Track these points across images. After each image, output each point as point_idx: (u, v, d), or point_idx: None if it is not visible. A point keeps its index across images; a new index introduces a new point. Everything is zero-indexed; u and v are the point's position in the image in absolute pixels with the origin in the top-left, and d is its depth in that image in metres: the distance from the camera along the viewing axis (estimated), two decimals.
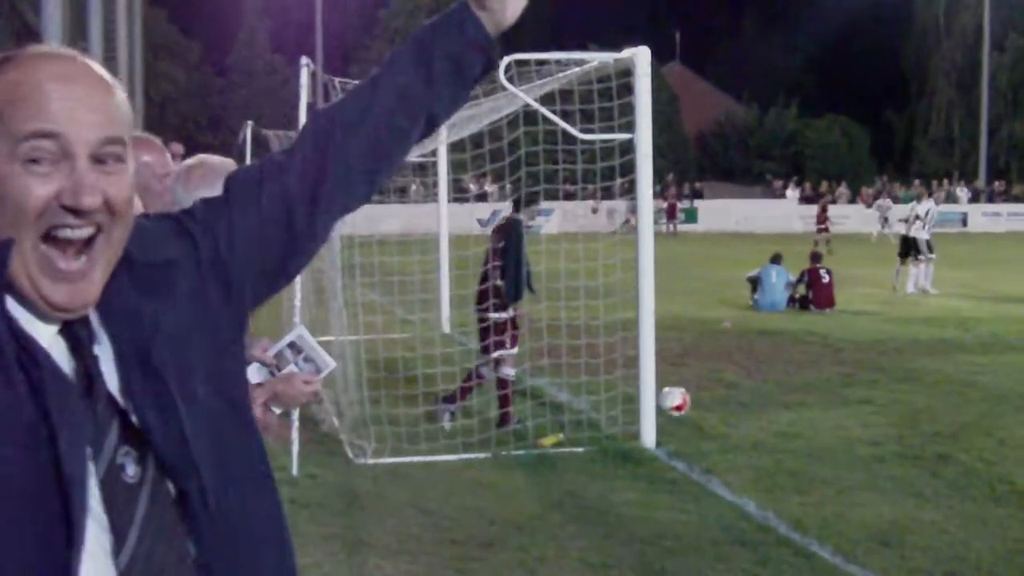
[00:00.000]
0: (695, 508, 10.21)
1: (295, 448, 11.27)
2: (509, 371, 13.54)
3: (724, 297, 27.40)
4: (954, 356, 18.97)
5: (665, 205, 63.66)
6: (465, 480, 11.24)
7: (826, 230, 45.86)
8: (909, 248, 31.29)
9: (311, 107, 15.85)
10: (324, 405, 13.58)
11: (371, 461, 11.75)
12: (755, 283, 26.34)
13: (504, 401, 13.39)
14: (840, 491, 10.84)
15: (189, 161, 5.11)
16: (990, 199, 74.39)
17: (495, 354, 13.42)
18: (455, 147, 19.93)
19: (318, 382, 4.43)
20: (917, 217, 31.84)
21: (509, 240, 13.56)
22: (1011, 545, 9.21)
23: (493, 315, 13.50)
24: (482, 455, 12.06)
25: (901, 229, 32.94)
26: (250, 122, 21.74)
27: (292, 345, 4.36)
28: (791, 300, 26.02)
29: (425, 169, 21.84)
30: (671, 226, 62.02)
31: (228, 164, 5.01)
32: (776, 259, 26.55)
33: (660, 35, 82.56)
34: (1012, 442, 12.83)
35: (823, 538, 9.30)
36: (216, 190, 5.00)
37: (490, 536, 9.36)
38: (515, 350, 13.72)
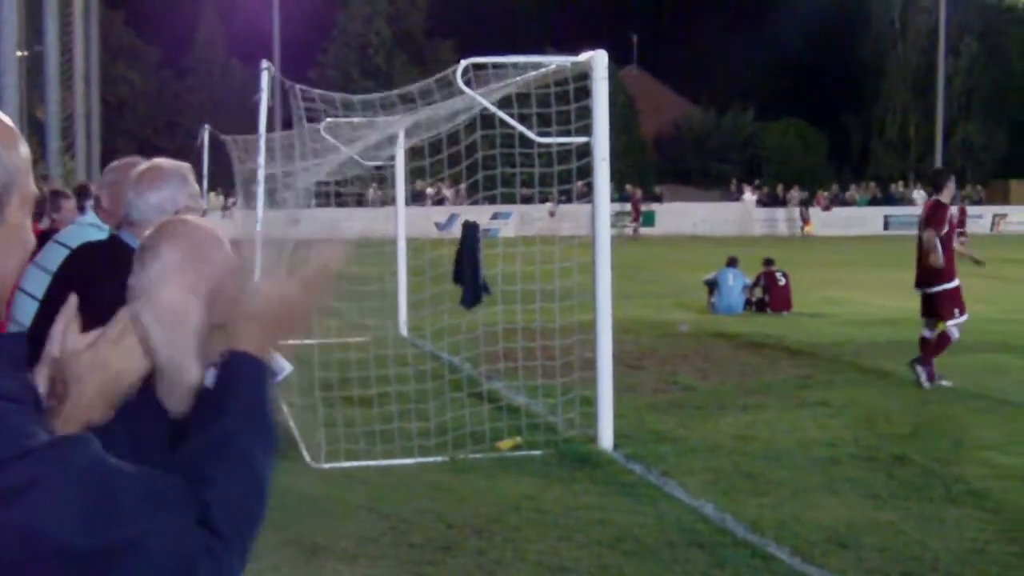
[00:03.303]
0: (652, 510, 10.23)
1: None
2: None
3: (681, 300, 27.46)
4: (910, 357, 19.04)
5: (630, 208, 63.87)
6: (422, 483, 11.22)
7: (964, 234, 45.33)
8: None
9: (271, 110, 15.84)
10: (280, 409, 13.54)
11: (327, 465, 11.73)
12: (712, 286, 26.39)
13: None
14: (797, 492, 10.88)
15: (141, 165, 5.09)
16: None
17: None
18: (413, 152, 19.92)
19: (274, 386, 4.42)
20: None
21: (464, 244, 13.57)
22: (967, 545, 9.26)
23: None
24: (439, 458, 12.03)
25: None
26: (207, 126, 21.70)
27: None
28: (748, 303, 26.09)
29: (383, 173, 21.81)
30: (634, 229, 62.05)
31: (182, 168, 5.00)
32: (732, 262, 26.61)
33: (618, 38, 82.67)
34: (968, 442, 12.91)
35: (780, 539, 9.32)
36: (165, 194, 4.96)
37: (448, 539, 9.35)
38: None
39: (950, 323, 16.48)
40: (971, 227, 68.98)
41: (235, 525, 2.30)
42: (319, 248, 2.59)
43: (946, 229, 16.51)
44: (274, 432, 2.52)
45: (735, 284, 26.06)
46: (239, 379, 2.49)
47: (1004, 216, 71.94)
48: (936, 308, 16.59)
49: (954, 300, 16.49)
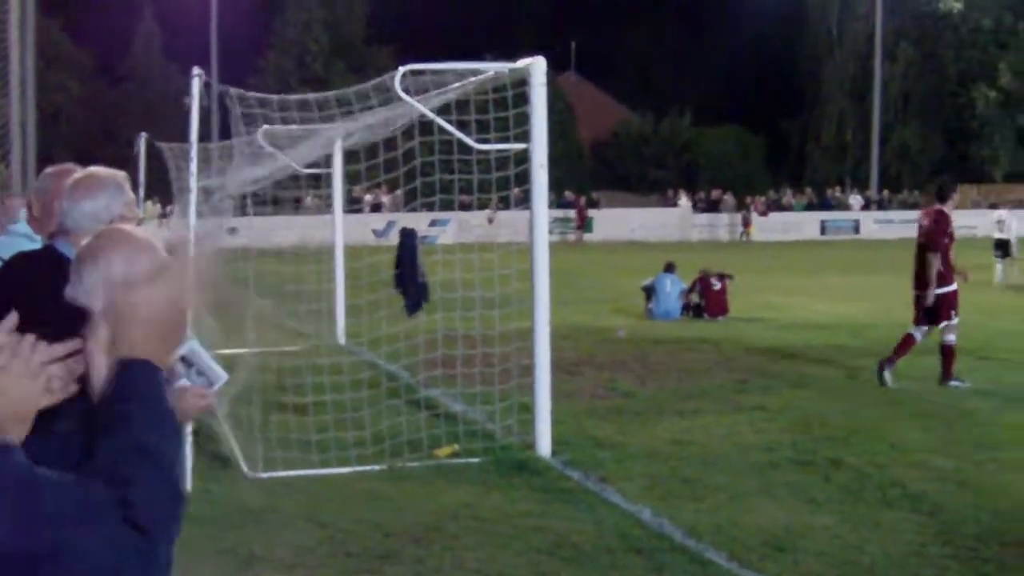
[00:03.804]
0: (591, 517, 10.23)
1: (188, 463, 11.16)
2: None
3: (619, 306, 27.50)
4: (846, 362, 19.17)
5: (574, 214, 63.95)
6: (360, 492, 11.18)
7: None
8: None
9: (208, 117, 15.77)
10: (217, 419, 13.46)
11: (264, 475, 11.66)
12: (650, 292, 26.44)
13: None
14: (734, 497, 10.91)
15: (76, 174, 5.04)
16: (882, 206, 75.39)
17: None
18: (350, 157, 19.89)
19: (211, 396, 4.40)
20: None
21: (403, 251, 13.55)
22: (903, 548, 9.31)
23: None
24: (376, 467, 11.99)
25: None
26: (144, 134, 21.54)
27: (183, 359, 4.31)
28: (685, 308, 26.16)
29: (319, 180, 21.76)
30: (578, 235, 62.12)
31: (117, 176, 4.95)
32: (669, 268, 26.67)
33: (556, 45, 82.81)
34: (903, 446, 12.98)
35: (718, 544, 9.34)
36: (101, 203, 4.91)
37: (386, 548, 9.32)
38: None
39: (947, 325, 16.95)
40: (906, 231, 69.56)
41: (158, 522, 2.36)
42: (194, 256, 2.59)
43: (946, 240, 16.99)
44: (180, 433, 2.54)
45: (672, 290, 26.13)
46: (138, 386, 2.50)
47: None
48: (935, 311, 16.98)
49: (952, 304, 17.02)
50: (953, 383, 16.86)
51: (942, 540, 9.52)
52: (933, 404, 15.59)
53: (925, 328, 17.20)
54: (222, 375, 4.39)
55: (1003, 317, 26.12)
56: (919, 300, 17.25)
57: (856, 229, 70.75)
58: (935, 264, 16.88)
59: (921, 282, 17.22)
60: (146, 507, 2.32)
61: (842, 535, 9.68)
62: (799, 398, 16.04)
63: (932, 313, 17.08)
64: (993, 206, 49.07)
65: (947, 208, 17.31)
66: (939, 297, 16.94)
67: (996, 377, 17.74)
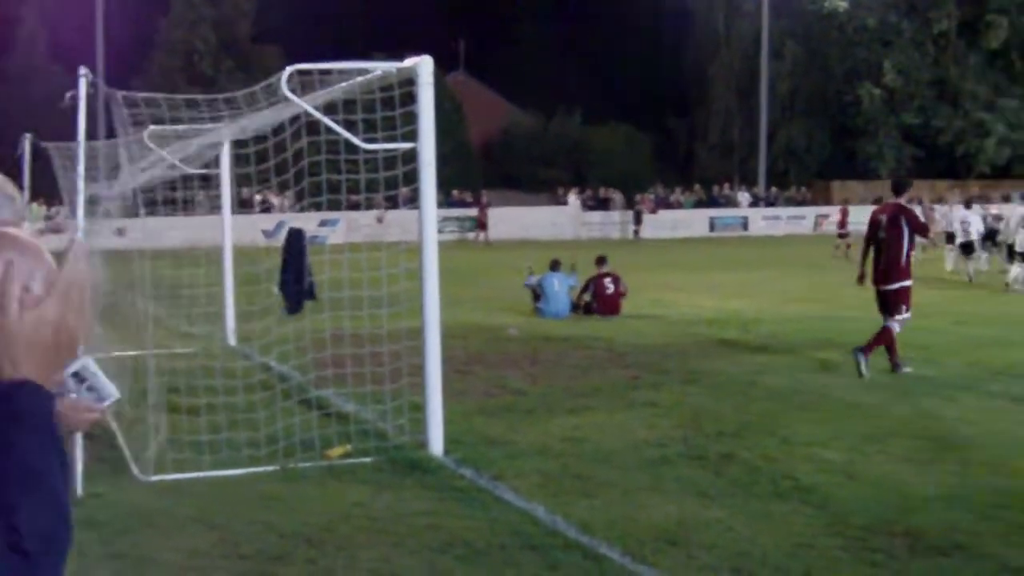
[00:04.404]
0: (484, 515, 10.25)
1: (79, 467, 11.06)
2: None
3: (510, 304, 27.50)
4: (736, 357, 19.36)
5: (476, 214, 63.81)
6: (253, 494, 11.13)
7: (847, 235, 45.78)
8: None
9: (95, 117, 15.58)
10: (109, 422, 13.33)
11: (156, 478, 11.57)
12: (536, 291, 26.38)
13: None
14: (627, 493, 10.98)
15: None
16: (770, 203, 76.13)
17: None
18: (239, 159, 19.75)
19: (101, 411, 4.35)
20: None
21: (289, 251, 13.49)
22: (795, 540, 9.43)
23: None
24: (269, 468, 11.94)
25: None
26: (28, 135, 21.22)
27: (76, 375, 4.27)
28: (575, 306, 26.21)
29: (209, 181, 21.59)
30: (482, 235, 62.00)
31: (5, 187, 4.86)
32: (555, 266, 26.71)
33: (444, 44, 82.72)
34: (794, 439, 13.14)
35: (611, 540, 9.40)
36: None
37: (279, 550, 9.29)
38: None
39: (897, 318, 17.73)
40: (793, 227, 70.51)
41: (46, 548, 2.31)
42: (69, 265, 2.55)
43: (907, 230, 17.81)
44: (66, 456, 2.51)
45: (561, 289, 26.16)
46: (24, 409, 2.46)
47: (826, 216, 73.30)
48: (891, 303, 17.71)
49: (906, 298, 17.91)
50: (860, 357, 17.45)
51: (832, 531, 9.66)
52: (823, 398, 15.79)
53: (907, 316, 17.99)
54: (114, 393, 4.35)
55: None
56: (878, 294, 18.08)
57: (745, 226, 71.42)
58: (904, 250, 17.77)
59: (882, 275, 17.98)
60: (32, 533, 2.29)
61: (734, 528, 9.78)
62: (690, 394, 16.16)
63: (887, 305, 17.86)
64: (967, 204, 50.08)
65: (902, 201, 18.26)
66: (898, 291, 17.73)
67: (884, 370, 17.98)
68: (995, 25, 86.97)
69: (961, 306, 27.85)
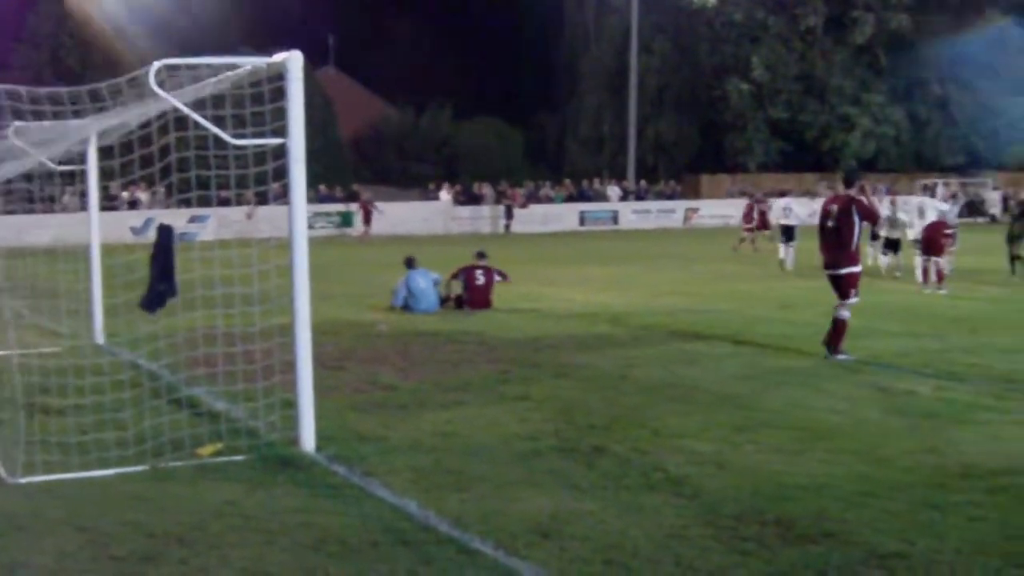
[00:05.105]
0: (357, 511, 10.23)
1: None
2: None
3: (380, 300, 27.40)
4: (607, 350, 19.47)
5: (358, 208, 63.54)
6: (122, 494, 10.99)
7: (752, 229, 45.83)
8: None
9: None
10: None
11: (23, 479, 11.39)
12: (403, 295, 26.05)
13: None
14: (499, 486, 11.00)
15: None
16: (640, 197, 76.64)
17: None
18: (105, 154, 19.50)
19: None
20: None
21: (157, 249, 13.33)
22: (666, 531, 9.51)
23: None
24: (139, 468, 11.80)
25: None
26: None
27: None
28: (444, 300, 26.17)
29: (74, 177, 21.31)
30: (365, 231, 61.72)
31: None
32: (411, 263, 26.40)
33: (315, 39, 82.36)
34: (665, 431, 13.25)
35: (484, 534, 9.42)
36: None
37: (150, 550, 9.19)
38: None
39: (847, 303, 18.75)
40: (663, 221, 71.05)
41: None
42: None
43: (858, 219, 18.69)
44: None
45: (427, 285, 26.06)
46: None
47: (696, 210, 74.12)
48: (842, 287, 18.80)
49: (856, 282, 18.92)
50: (840, 356, 18.48)
51: (703, 521, 9.76)
52: (693, 390, 15.93)
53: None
54: None
55: (759, 305, 26.80)
56: (829, 279, 18.98)
57: (615, 220, 71.86)
58: (854, 240, 18.73)
59: (831, 262, 18.95)
60: None
61: (606, 520, 9.84)
62: (561, 387, 16.24)
63: (839, 289, 18.80)
64: (782, 194, 50.75)
65: (853, 192, 18.87)
66: (848, 276, 18.65)
67: (753, 362, 18.22)
68: (861, 21, 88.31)
69: (828, 297, 28.19)
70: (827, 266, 19.07)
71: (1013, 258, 33.30)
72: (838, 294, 18.77)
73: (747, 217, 46.83)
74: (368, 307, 26.65)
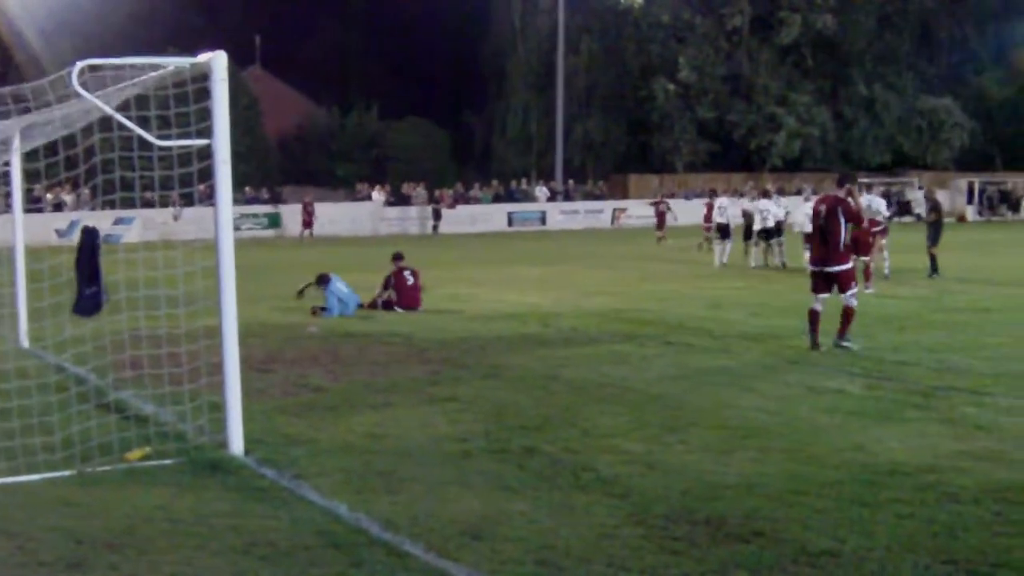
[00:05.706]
0: (287, 514, 10.17)
1: None
2: None
3: (309, 302, 27.28)
4: (537, 351, 19.48)
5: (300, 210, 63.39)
6: (49, 499, 10.87)
7: (710, 229, 45.85)
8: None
9: None
10: None
11: None
12: (334, 305, 25.88)
13: None
14: (430, 488, 10.97)
15: None
16: (568, 197, 76.83)
17: None
18: (28, 156, 19.32)
19: None
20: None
21: (82, 251, 13.20)
22: (598, 530, 9.51)
23: None
24: (67, 473, 11.68)
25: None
26: None
27: None
28: (375, 303, 26.10)
29: None
30: (307, 233, 61.54)
31: None
32: (325, 280, 26.14)
33: (240, 39, 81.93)
34: (595, 432, 13.26)
35: (415, 536, 9.38)
36: None
37: (79, 556, 9.09)
38: None
39: (850, 293, 19.45)
40: (592, 222, 71.29)
41: None
42: None
43: (843, 220, 19.45)
44: None
45: (348, 288, 25.88)
46: None
47: (624, 210, 74.40)
48: (842, 282, 19.47)
49: (853, 275, 19.90)
50: (845, 343, 19.39)
51: (634, 521, 9.76)
52: (623, 390, 15.95)
53: (825, 296, 19.55)
54: None
55: (688, 304, 26.92)
56: (817, 275, 19.63)
57: (543, 220, 72.09)
58: (846, 238, 19.50)
59: (820, 259, 19.65)
60: None
61: (538, 520, 9.82)
62: (491, 388, 16.22)
63: (835, 284, 19.49)
64: (712, 192, 51.19)
65: (841, 194, 19.78)
66: (840, 273, 19.47)
67: (683, 361, 18.27)
68: (787, 22, 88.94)
69: (756, 297, 28.45)
70: (815, 263, 19.93)
71: (932, 257, 33.66)
72: (838, 288, 19.42)
73: (707, 218, 47.05)
74: (297, 309, 26.51)
